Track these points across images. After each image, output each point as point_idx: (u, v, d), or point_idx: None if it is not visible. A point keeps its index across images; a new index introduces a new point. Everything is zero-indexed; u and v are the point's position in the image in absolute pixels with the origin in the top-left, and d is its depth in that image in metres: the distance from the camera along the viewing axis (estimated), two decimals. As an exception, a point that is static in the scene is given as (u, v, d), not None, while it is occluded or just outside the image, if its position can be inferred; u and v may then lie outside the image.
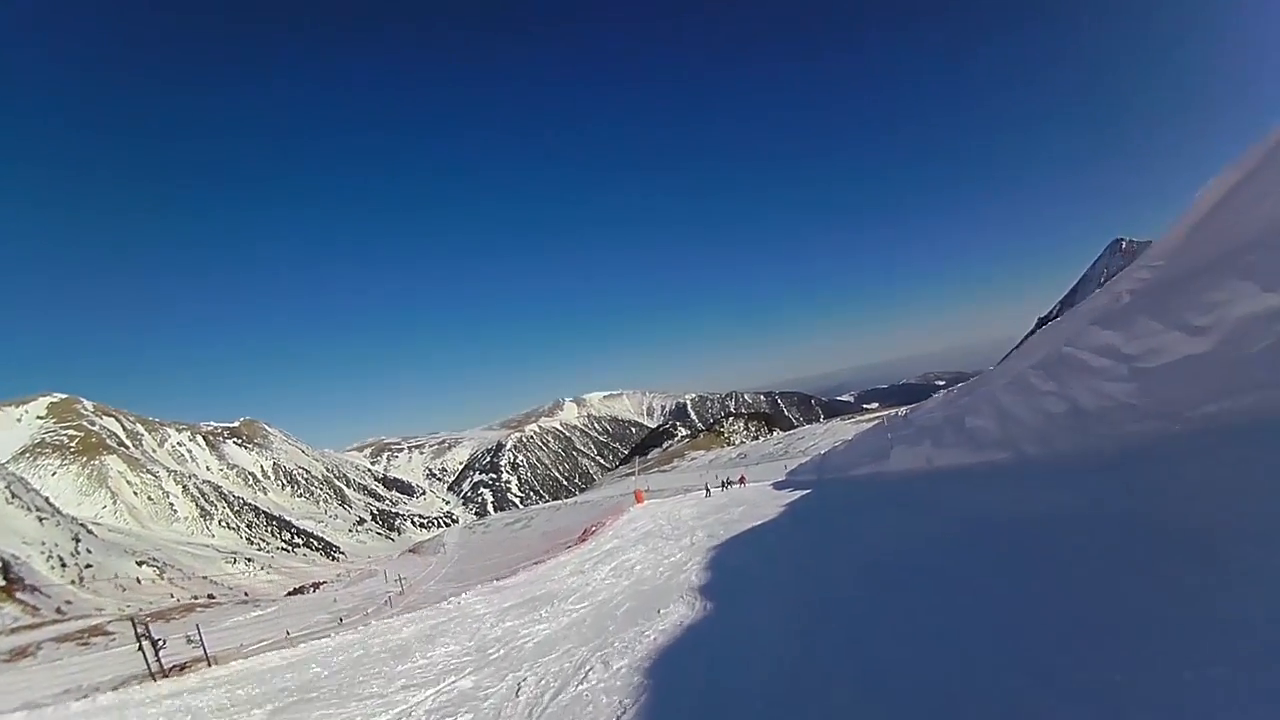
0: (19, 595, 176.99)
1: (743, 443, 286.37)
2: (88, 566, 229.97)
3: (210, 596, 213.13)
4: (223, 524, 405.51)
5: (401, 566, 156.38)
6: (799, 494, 31.61)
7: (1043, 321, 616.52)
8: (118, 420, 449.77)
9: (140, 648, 36.72)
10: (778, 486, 43.96)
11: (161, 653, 37.32)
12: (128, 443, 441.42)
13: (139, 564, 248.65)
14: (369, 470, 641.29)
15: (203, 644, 37.56)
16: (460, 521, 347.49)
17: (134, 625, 38.33)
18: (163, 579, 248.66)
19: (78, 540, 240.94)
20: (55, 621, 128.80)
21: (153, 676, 28.31)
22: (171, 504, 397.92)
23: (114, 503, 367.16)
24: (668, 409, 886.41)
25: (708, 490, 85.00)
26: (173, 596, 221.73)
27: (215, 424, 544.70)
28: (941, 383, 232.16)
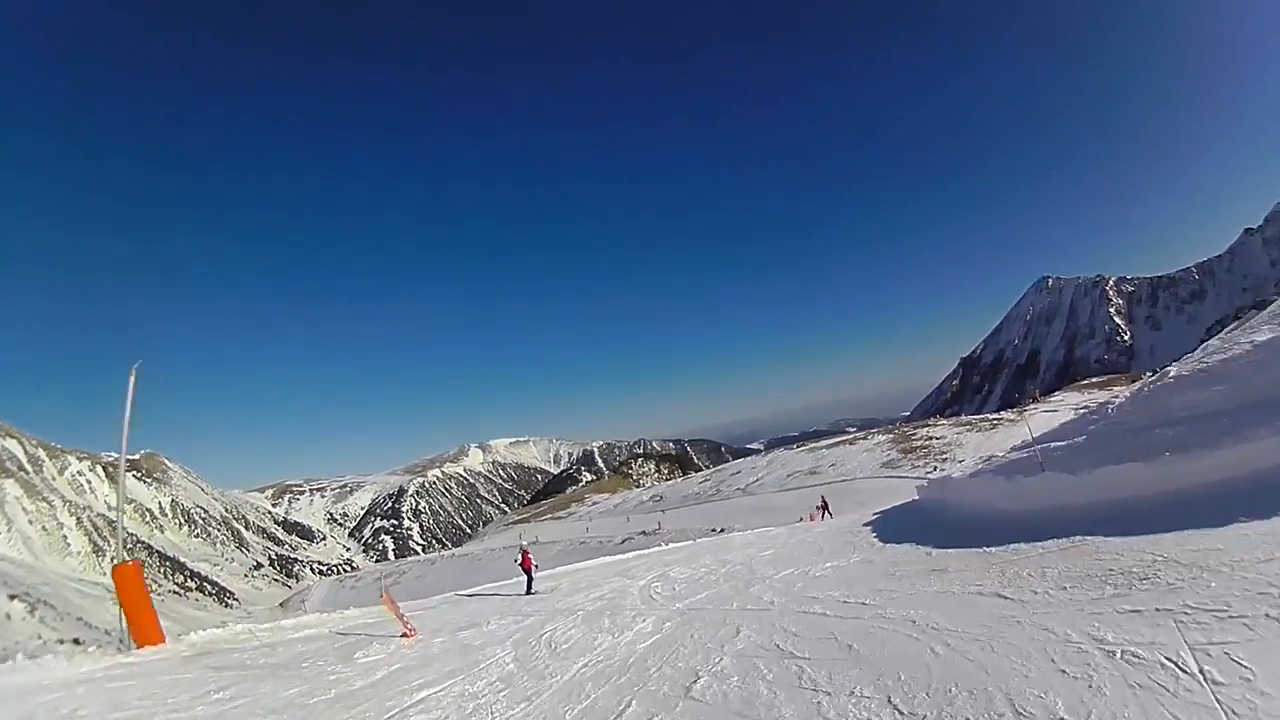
0: None
1: (654, 485, 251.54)
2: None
3: (76, 641, 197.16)
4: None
5: (264, 622, 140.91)
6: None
7: (966, 362, 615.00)
8: (20, 443, 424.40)
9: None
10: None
11: None
12: (28, 467, 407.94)
13: (11, 598, 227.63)
14: (269, 513, 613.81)
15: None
16: (361, 568, 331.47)
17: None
18: (33, 616, 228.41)
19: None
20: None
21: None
22: (65, 536, 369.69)
23: (9, 530, 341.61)
24: (575, 456, 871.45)
25: (826, 510, 64.80)
26: (40, 638, 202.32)
27: (116, 455, 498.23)
28: (853, 429, 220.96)
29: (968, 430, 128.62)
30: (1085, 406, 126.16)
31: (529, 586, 32.59)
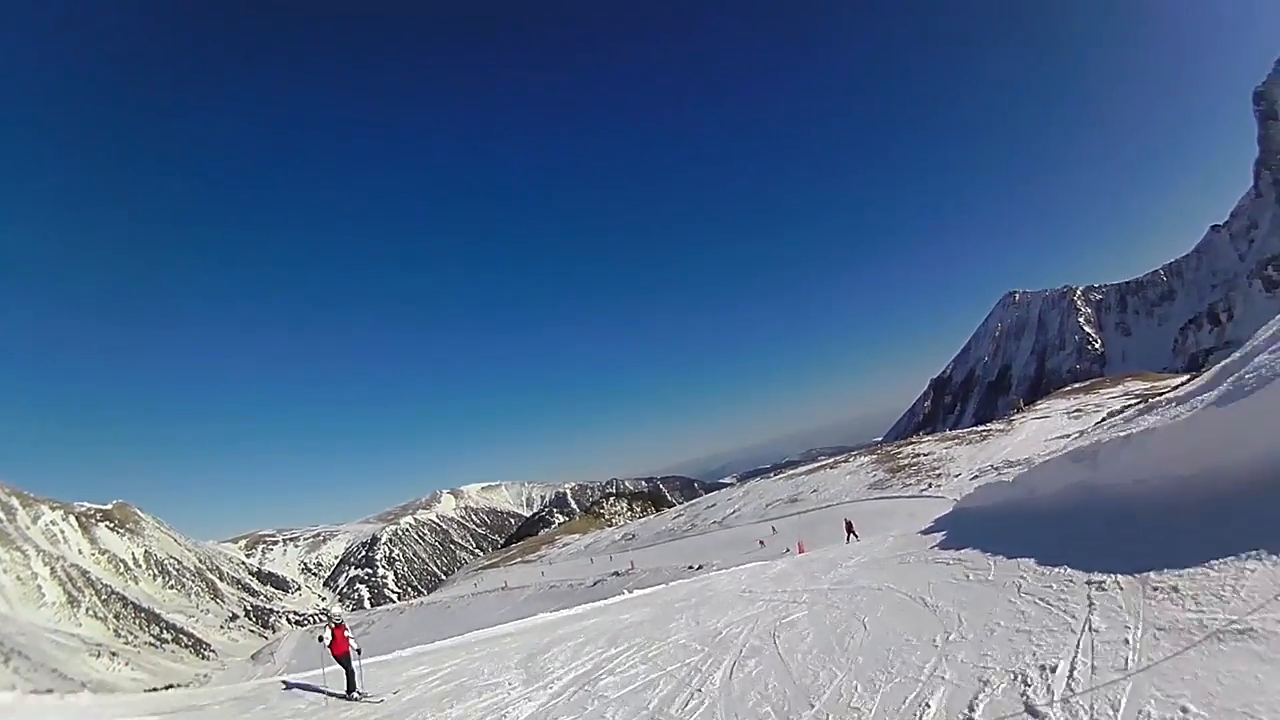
0: None
1: (627, 523, 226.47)
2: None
3: (50, 692, 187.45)
4: (90, 613, 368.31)
5: (236, 675, 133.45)
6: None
7: (936, 383, 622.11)
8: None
9: None
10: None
11: None
12: (1, 515, 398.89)
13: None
14: (243, 563, 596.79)
15: None
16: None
17: None
18: (6, 666, 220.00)
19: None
20: None
21: None
22: (39, 586, 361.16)
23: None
24: (547, 499, 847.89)
25: (852, 533, 56.02)
26: (14, 688, 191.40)
27: (88, 505, 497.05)
28: (825, 457, 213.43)
29: (956, 444, 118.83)
30: (1078, 410, 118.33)
31: (350, 684, 20.20)
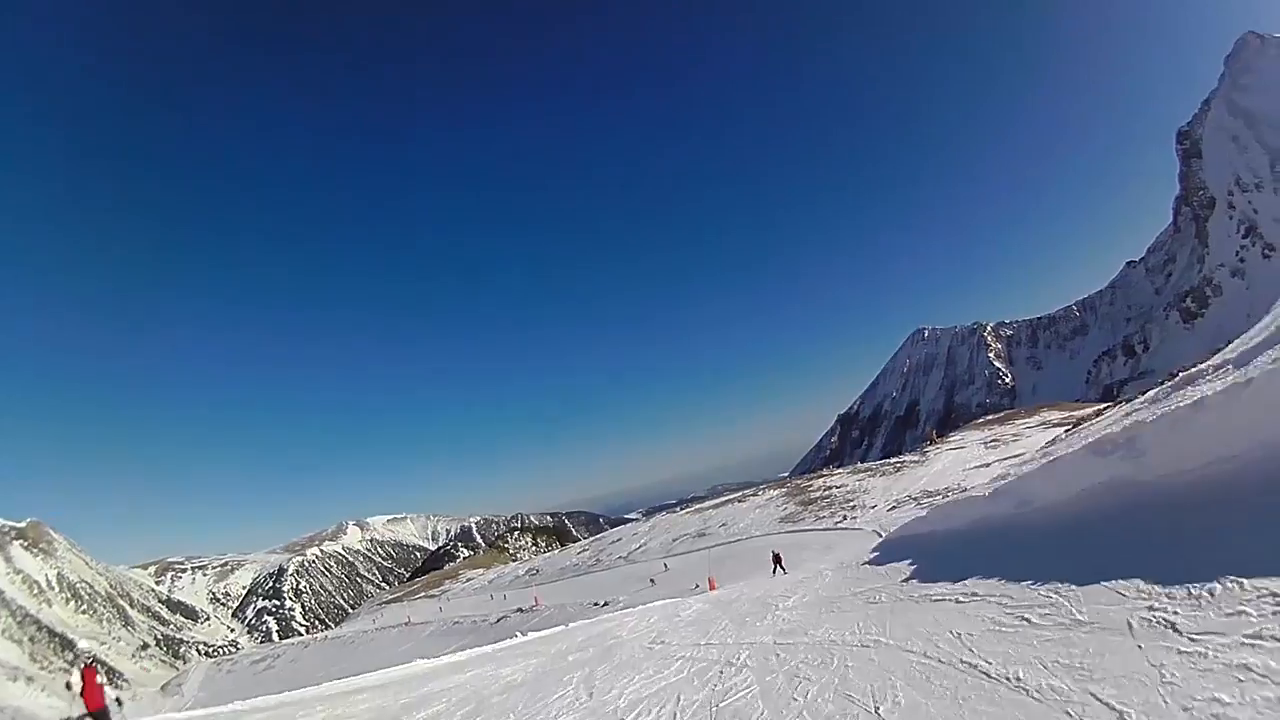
0: None
1: (531, 558, 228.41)
2: None
3: None
4: (6, 635, 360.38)
5: (146, 708, 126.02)
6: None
7: (844, 418, 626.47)
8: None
9: None
10: None
11: None
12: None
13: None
14: (153, 590, 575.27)
15: None
16: (242, 649, 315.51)
17: None
18: None
19: None
20: None
21: None
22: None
23: None
24: (453, 532, 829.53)
25: (779, 565, 50.15)
26: None
27: (1, 521, 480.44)
28: (729, 493, 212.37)
29: (870, 476, 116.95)
30: (994, 440, 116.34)
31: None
